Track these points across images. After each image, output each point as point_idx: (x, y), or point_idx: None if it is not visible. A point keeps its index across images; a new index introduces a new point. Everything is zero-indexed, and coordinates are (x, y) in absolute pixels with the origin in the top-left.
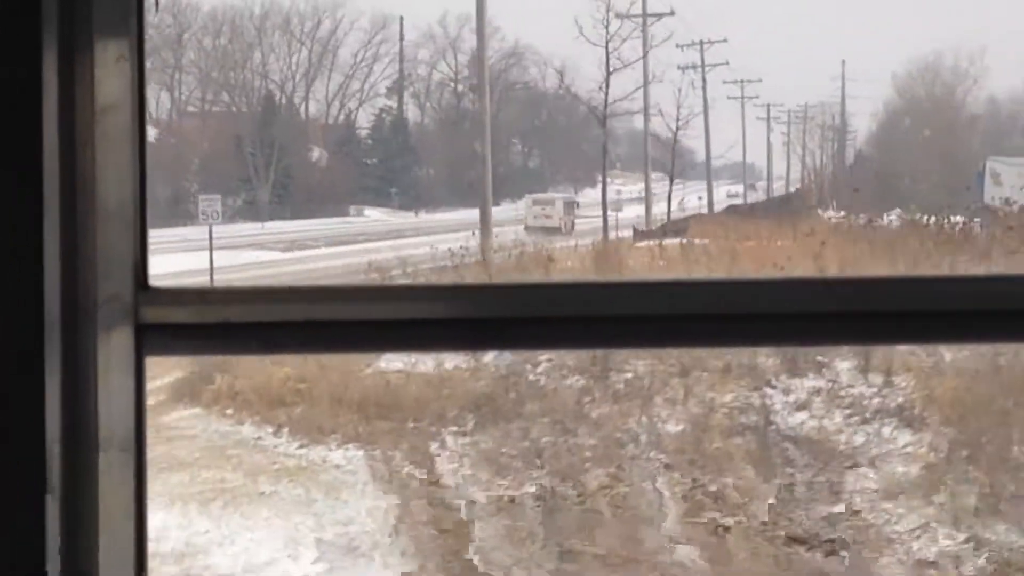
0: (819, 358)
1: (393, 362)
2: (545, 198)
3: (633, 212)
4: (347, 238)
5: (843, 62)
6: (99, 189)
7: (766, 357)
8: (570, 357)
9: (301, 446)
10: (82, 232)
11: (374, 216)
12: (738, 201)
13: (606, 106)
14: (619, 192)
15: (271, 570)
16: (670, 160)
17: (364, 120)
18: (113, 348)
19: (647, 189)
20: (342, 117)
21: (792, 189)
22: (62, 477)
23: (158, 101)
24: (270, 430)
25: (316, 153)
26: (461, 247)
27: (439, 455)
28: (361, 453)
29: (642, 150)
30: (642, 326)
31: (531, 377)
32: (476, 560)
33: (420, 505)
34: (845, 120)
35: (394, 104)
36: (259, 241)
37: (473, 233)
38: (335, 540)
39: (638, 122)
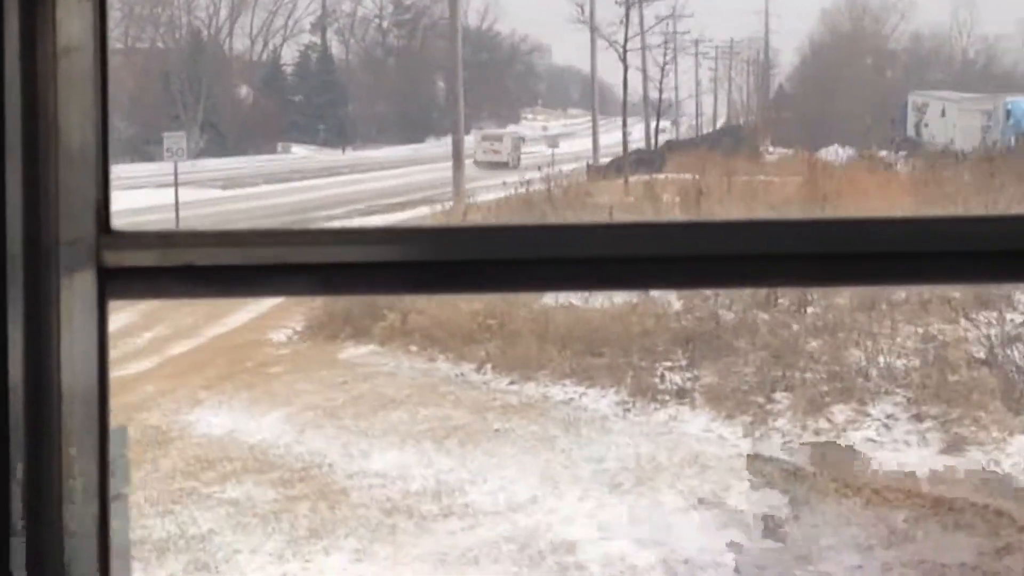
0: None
1: (567, 297)
2: (494, 134)
3: (565, 147)
4: (283, 175)
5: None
6: (61, 131)
7: (953, 290)
8: (748, 292)
9: (512, 383)
10: (44, 174)
11: (301, 153)
12: (669, 136)
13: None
14: (545, 128)
15: (535, 508)
16: (606, 96)
17: (289, 57)
18: (76, 291)
19: (595, 124)
20: (267, 54)
21: (718, 124)
22: (25, 424)
23: None
24: (470, 366)
25: (243, 90)
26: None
27: (666, 388)
28: (583, 388)
29: (563, 87)
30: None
31: (721, 311)
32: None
33: (669, 440)
34: (769, 55)
35: (318, 40)
36: (195, 179)
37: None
38: (594, 477)
39: (556, 58)
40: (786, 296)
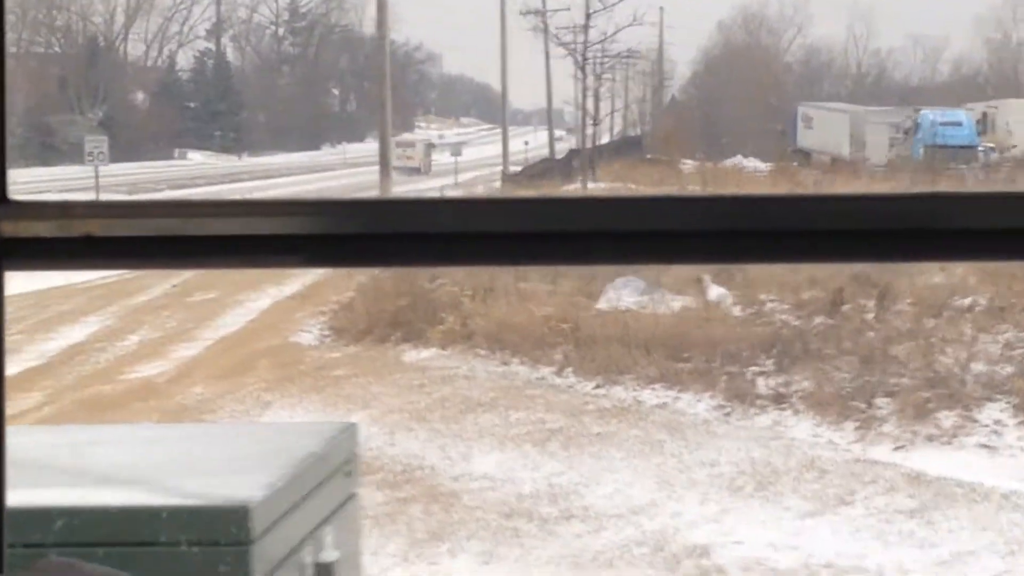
0: None
1: (623, 300)
2: (407, 140)
3: (468, 156)
4: (185, 181)
5: (661, 9)
6: None
7: None
8: (808, 298)
9: (598, 386)
10: None
11: (197, 159)
12: (566, 145)
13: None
14: (441, 136)
15: (657, 511)
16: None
17: (185, 63)
18: None
19: (505, 133)
20: (162, 60)
21: (611, 135)
22: None
23: None
24: (550, 370)
25: (139, 96)
26: None
27: (761, 393)
28: (675, 392)
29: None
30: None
31: (783, 317)
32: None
33: (780, 445)
34: (662, 67)
35: (213, 47)
36: (100, 184)
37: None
38: (711, 481)
39: (447, 67)
40: (848, 303)
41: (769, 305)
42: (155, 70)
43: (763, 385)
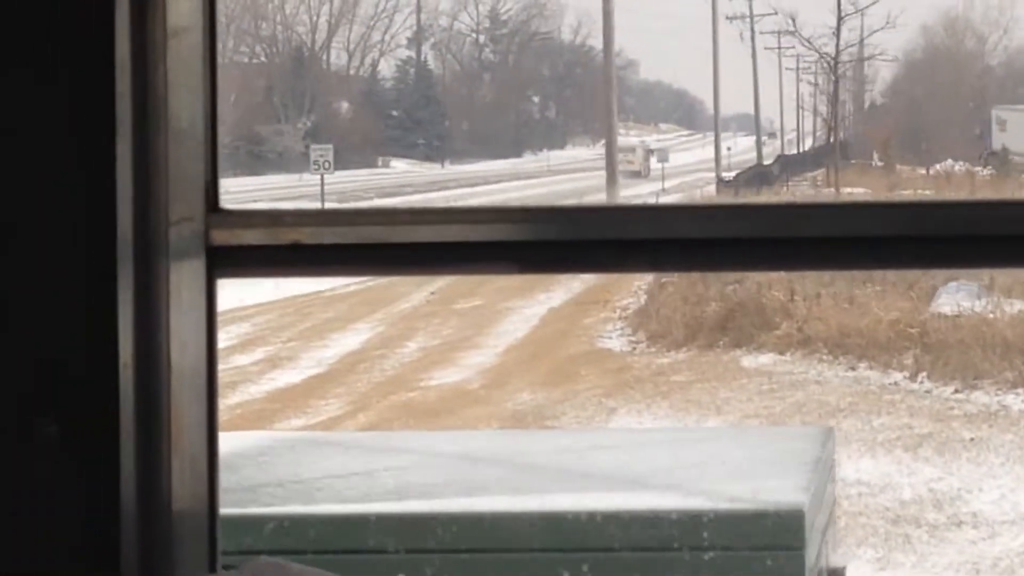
0: None
1: (960, 304)
2: (628, 145)
3: (678, 160)
4: (393, 189)
5: (862, 13)
6: (171, 110)
7: None
8: None
9: (956, 391)
10: (154, 153)
11: (401, 167)
12: (768, 150)
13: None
14: (643, 142)
15: None
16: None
17: (387, 71)
18: (185, 270)
19: (717, 139)
20: (365, 68)
21: (810, 141)
22: (135, 402)
23: None
24: (903, 375)
25: (344, 105)
26: None
27: None
28: None
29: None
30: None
31: None
32: None
33: None
34: (864, 71)
35: (414, 55)
36: (307, 193)
37: None
38: None
39: (644, 73)
40: None
41: None
42: (358, 79)
43: None
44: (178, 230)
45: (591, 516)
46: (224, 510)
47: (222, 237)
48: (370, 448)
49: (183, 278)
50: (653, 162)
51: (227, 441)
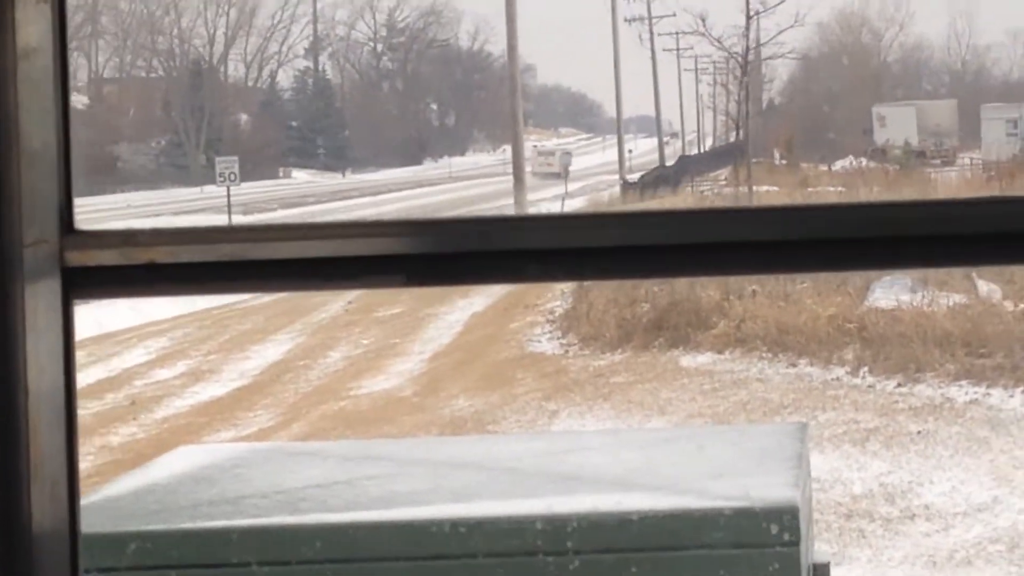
0: None
1: (882, 300)
2: (547, 149)
3: (579, 164)
4: (295, 200)
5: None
6: (22, 132)
7: None
8: None
9: (899, 385)
10: (7, 176)
11: (302, 177)
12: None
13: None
14: (535, 147)
15: (1002, 508)
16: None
17: (286, 82)
18: (40, 293)
19: (620, 142)
20: (263, 80)
21: (710, 140)
22: None
23: (75, 67)
24: (844, 370)
25: (243, 117)
26: None
27: None
28: (983, 389)
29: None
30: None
31: None
32: None
33: None
34: (760, 69)
35: (312, 65)
36: (210, 205)
37: None
38: None
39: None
40: None
41: None
42: (257, 91)
43: None
44: (32, 252)
45: (586, 518)
46: (86, 530)
47: (77, 258)
48: (348, 457)
49: (39, 301)
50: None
51: (201, 453)
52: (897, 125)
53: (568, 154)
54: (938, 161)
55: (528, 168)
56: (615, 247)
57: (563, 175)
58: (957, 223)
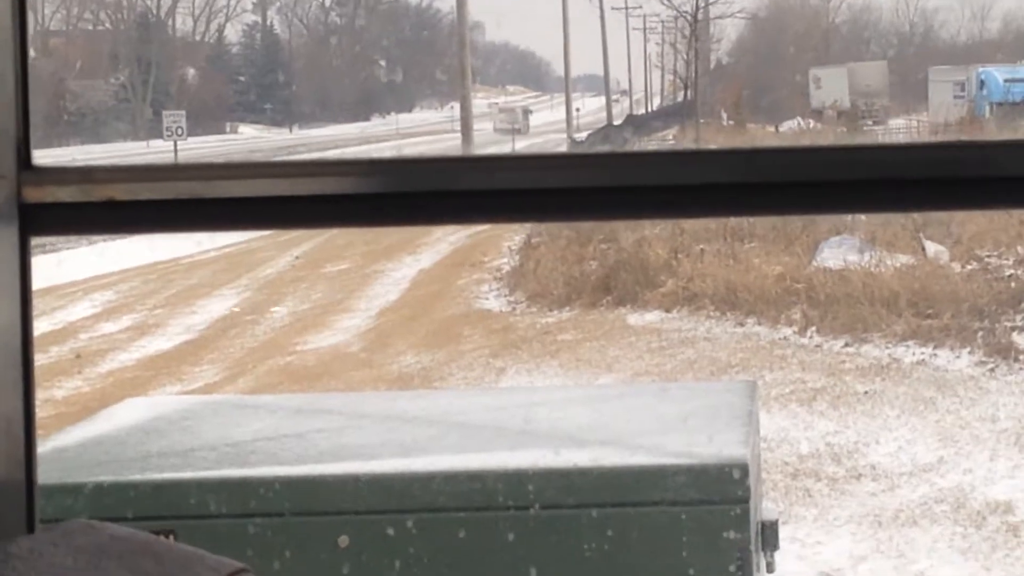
0: None
1: (830, 260)
2: (509, 107)
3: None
4: (242, 156)
5: None
6: None
7: None
8: None
9: (847, 344)
10: None
11: (249, 133)
12: (616, 111)
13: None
14: (491, 105)
15: (947, 468)
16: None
17: (233, 37)
18: None
19: (568, 100)
20: (211, 34)
21: (658, 100)
22: None
23: None
24: (792, 330)
25: (190, 71)
26: None
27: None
28: (930, 349)
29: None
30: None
31: (1015, 272)
32: None
33: None
34: (709, 29)
35: (260, 19)
36: (156, 160)
37: None
38: (997, 437)
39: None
40: None
41: (992, 260)
42: (204, 45)
43: (1022, 340)
44: None
45: (543, 473)
46: (43, 481)
47: (35, 195)
48: (297, 410)
49: None
50: (527, 121)
51: (150, 406)
52: (831, 86)
53: (529, 111)
54: (869, 121)
55: (490, 124)
56: (565, 188)
57: (524, 131)
58: (901, 168)
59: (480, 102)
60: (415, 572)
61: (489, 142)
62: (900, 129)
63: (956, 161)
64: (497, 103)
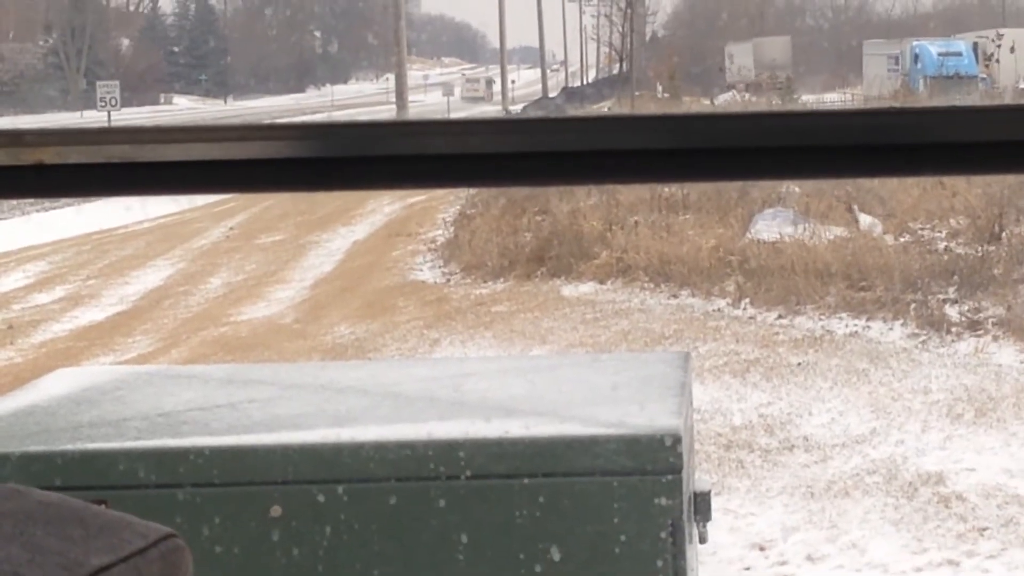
0: None
1: (764, 233)
2: (474, 76)
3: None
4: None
5: None
6: None
7: None
8: (966, 226)
9: (780, 316)
10: None
11: (184, 104)
12: (551, 83)
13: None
14: (426, 77)
15: (880, 440)
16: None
17: (168, 7)
18: None
19: (504, 73)
20: (145, 5)
21: (594, 72)
22: None
23: None
24: (726, 301)
25: (124, 42)
26: None
27: (955, 320)
28: (863, 321)
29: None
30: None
31: (946, 245)
32: None
33: (989, 371)
34: (644, 1)
35: None
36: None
37: None
38: (929, 409)
39: (426, 7)
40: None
41: (925, 233)
42: (138, 16)
43: (954, 312)
44: None
45: (474, 442)
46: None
47: None
48: (230, 380)
49: None
50: (438, 96)
51: (81, 376)
52: (742, 61)
53: (492, 81)
54: (748, 95)
55: (457, 92)
56: (497, 153)
57: (488, 99)
58: (834, 134)
59: (416, 73)
60: (345, 539)
61: (458, 108)
62: (834, 103)
63: (888, 128)
64: (464, 73)
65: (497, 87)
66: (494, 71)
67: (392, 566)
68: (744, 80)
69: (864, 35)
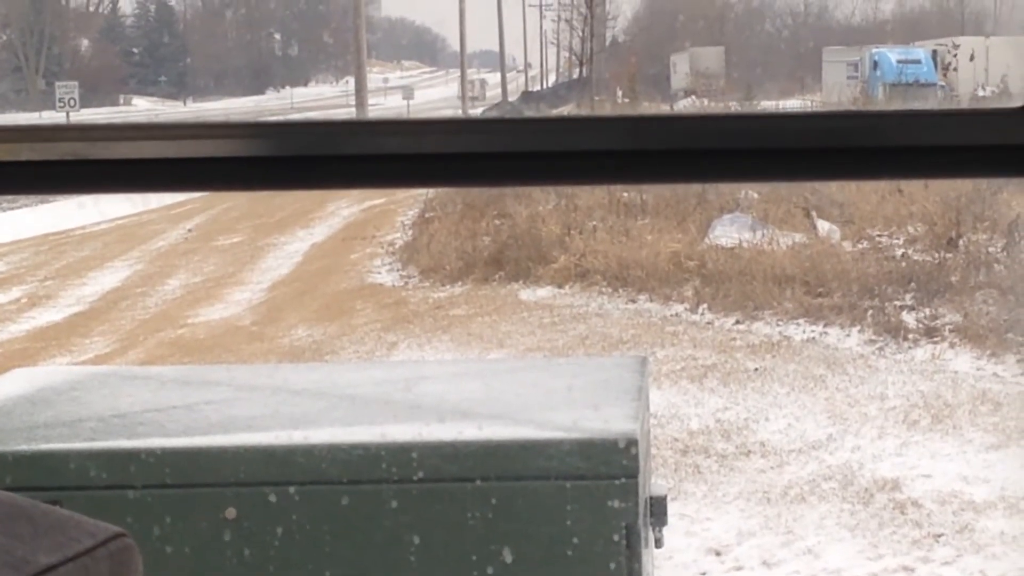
0: None
1: (723, 238)
2: (471, 78)
3: (421, 98)
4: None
5: None
6: None
7: None
8: (922, 234)
9: (738, 322)
10: None
11: (143, 105)
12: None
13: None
14: (386, 80)
15: (836, 446)
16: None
17: (128, 8)
18: None
19: (463, 76)
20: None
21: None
22: None
23: None
24: (683, 307)
25: (84, 43)
26: None
27: (911, 327)
28: (820, 328)
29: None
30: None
31: (904, 252)
32: None
33: (945, 378)
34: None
35: None
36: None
37: None
38: (885, 415)
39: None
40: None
41: (883, 240)
42: (97, 16)
43: (911, 319)
44: None
45: (427, 444)
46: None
47: None
48: (186, 382)
49: None
50: (398, 100)
51: (36, 376)
52: (684, 69)
53: (484, 82)
54: (706, 100)
55: (383, 100)
56: (454, 154)
57: (481, 98)
58: (791, 137)
59: (375, 76)
60: (297, 539)
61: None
62: (793, 109)
63: (845, 131)
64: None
65: (419, 96)
66: (454, 75)
67: (344, 567)
68: (683, 88)
69: (824, 41)
